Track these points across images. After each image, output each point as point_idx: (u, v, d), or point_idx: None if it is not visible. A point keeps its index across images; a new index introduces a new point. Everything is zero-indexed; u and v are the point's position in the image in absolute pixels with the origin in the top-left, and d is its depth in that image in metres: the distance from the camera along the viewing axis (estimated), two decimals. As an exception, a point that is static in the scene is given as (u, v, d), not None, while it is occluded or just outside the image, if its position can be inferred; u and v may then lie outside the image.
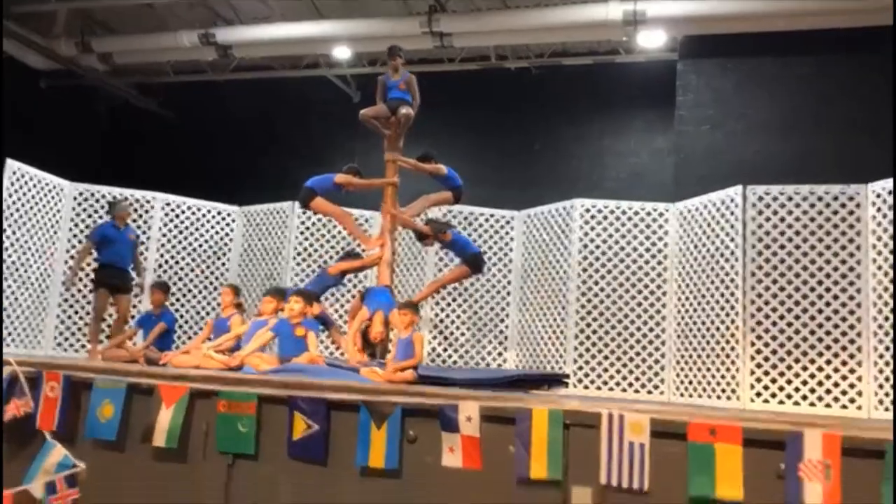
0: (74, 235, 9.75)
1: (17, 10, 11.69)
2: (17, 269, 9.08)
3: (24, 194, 9.16)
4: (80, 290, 9.56)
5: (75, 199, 9.83)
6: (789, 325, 7.49)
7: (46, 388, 4.86)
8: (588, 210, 8.80)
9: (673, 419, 3.94)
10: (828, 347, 7.35)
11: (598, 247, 8.72)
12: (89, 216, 9.81)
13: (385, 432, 4.30)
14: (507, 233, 9.54)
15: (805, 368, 7.40)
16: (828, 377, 7.31)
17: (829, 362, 7.35)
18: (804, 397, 7.37)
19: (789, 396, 7.40)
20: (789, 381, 7.43)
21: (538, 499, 4.06)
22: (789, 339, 7.48)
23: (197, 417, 4.67)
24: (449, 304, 9.52)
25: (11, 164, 9.01)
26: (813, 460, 3.67)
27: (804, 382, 7.40)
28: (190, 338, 9.59)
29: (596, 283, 8.66)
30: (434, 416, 4.28)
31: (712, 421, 3.88)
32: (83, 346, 9.38)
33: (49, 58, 12.62)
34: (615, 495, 3.95)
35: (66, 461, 4.76)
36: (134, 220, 9.89)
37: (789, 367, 7.44)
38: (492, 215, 9.58)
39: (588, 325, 8.59)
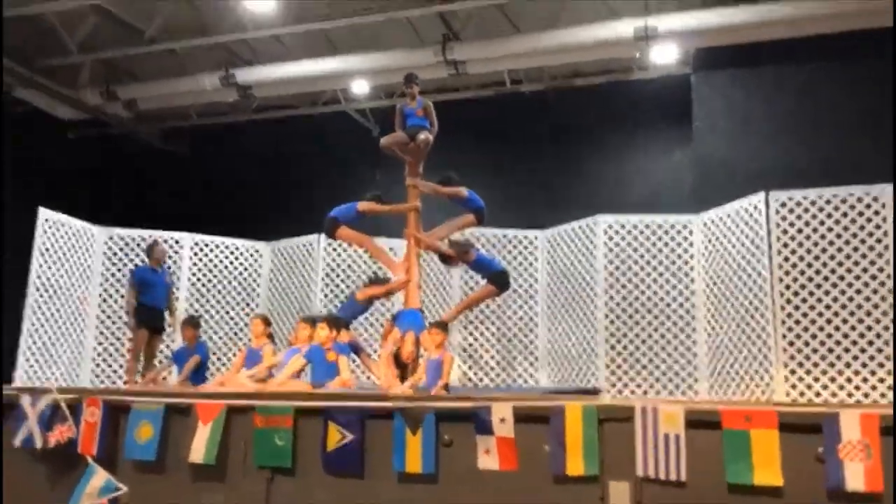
0: (106, 279, 9.98)
1: (44, 63, 12.09)
2: (53, 313, 9.31)
3: (57, 240, 9.42)
4: (121, 330, 9.77)
5: (105, 243, 10.07)
6: (821, 329, 7.47)
7: (87, 414, 4.97)
8: (611, 226, 8.85)
9: (707, 408, 3.96)
10: (862, 350, 7.31)
11: (623, 262, 8.75)
12: (119, 259, 10.04)
13: (420, 438, 4.35)
14: (531, 252, 9.61)
15: (840, 372, 7.36)
16: (858, 375, 7.27)
17: (863, 364, 7.30)
18: (834, 395, 7.31)
19: (821, 394, 7.33)
20: (824, 386, 7.38)
21: (576, 495, 4.08)
22: (822, 343, 7.46)
23: (235, 434, 4.74)
24: (477, 328, 9.57)
25: (43, 212, 9.30)
26: (853, 441, 3.67)
27: (837, 384, 7.35)
28: (219, 370, 9.71)
29: (624, 297, 8.68)
30: (468, 419, 4.33)
31: (746, 407, 3.90)
32: (113, 382, 9.60)
33: (76, 108, 13.00)
34: (653, 487, 3.96)
35: (108, 485, 4.85)
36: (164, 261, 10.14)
37: (824, 372, 7.41)
38: (515, 236, 9.66)
39: (618, 340, 8.59)
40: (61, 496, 4.85)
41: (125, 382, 8.92)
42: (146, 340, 8.75)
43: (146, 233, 10.18)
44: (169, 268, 9.93)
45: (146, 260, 9.19)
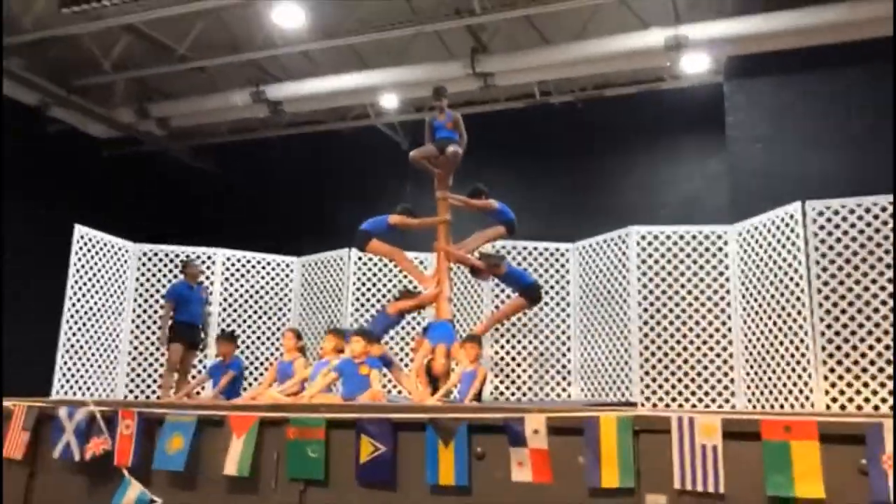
0: (140, 295, 10.14)
1: (79, 82, 12.37)
2: (88, 328, 9.48)
3: (92, 257, 9.60)
4: (155, 346, 9.93)
5: (139, 259, 10.23)
6: (862, 340, 7.34)
7: (122, 427, 5.04)
8: (644, 237, 8.79)
9: (745, 418, 3.90)
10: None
11: (657, 273, 8.68)
12: (153, 275, 10.20)
13: (453, 450, 4.33)
14: (562, 265, 9.58)
15: (882, 384, 7.22)
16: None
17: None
18: (876, 408, 7.16)
19: (863, 406, 7.19)
20: (866, 399, 7.23)
21: (612, 508, 4.03)
22: (863, 355, 7.32)
23: (267, 446, 4.77)
24: (508, 342, 9.54)
25: (79, 228, 9.50)
26: (896, 452, 3.58)
27: (880, 396, 7.20)
28: (252, 385, 9.78)
29: (658, 310, 8.60)
30: (501, 431, 4.30)
31: (786, 418, 3.83)
32: (147, 396, 9.74)
33: (110, 126, 13.28)
34: (690, 500, 3.89)
35: (143, 497, 4.90)
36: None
37: (865, 385, 7.27)
38: (546, 248, 9.64)
39: (653, 353, 8.51)
40: (97, 508, 4.92)
41: (159, 397, 9.05)
42: (181, 355, 8.90)
43: (179, 249, 10.35)
44: (202, 284, 10.09)
45: (181, 276, 9.36)
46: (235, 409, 5.03)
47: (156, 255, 10.30)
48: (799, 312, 7.52)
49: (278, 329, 10.47)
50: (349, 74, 11.75)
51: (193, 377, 9.18)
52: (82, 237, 9.51)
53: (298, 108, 12.48)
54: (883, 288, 7.39)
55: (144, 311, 10.12)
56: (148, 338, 10.02)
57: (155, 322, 9.81)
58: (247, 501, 4.79)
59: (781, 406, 7.57)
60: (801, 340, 7.45)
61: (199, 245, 10.54)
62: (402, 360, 9.52)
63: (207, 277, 10.39)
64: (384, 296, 10.02)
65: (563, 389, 9.31)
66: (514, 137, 12.82)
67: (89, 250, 9.58)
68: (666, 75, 11.85)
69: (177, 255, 10.31)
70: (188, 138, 14.50)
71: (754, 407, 7.91)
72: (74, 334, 9.29)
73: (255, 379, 10.17)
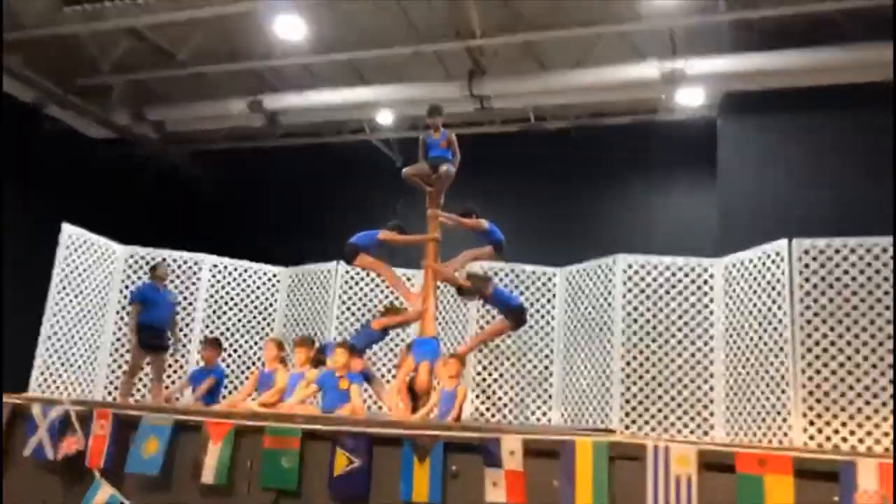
0: (125, 297, 10.06)
1: (76, 82, 12.37)
2: (71, 326, 9.41)
3: (79, 257, 9.54)
4: (126, 348, 9.83)
5: (126, 261, 10.17)
6: (842, 380, 7.36)
7: (96, 427, 5.00)
8: (631, 266, 8.80)
9: (720, 450, 3.91)
10: (883, 403, 7.19)
11: (641, 303, 8.69)
12: (139, 278, 10.13)
13: (428, 467, 4.32)
14: (549, 289, 9.59)
15: (860, 424, 7.24)
16: (879, 428, 7.14)
17: (884, 418, 7.18)
18: (853, 447, 7.18)
19: (840, 446, 7.21)
20: (844, 439, 7.26)
21: (584, 534, 4.02)
22: (842, 394, 7.34)
23: (242, 454, 4.74)
24: (491, 363, 9.52)
25: (67, 227, 9.44)
26: (869, 491, 3.60)
27: (857, 437, 7.22)
28: (232, 393, 9.71)
29: (641, 339, 8.60)
30: (476, 451, 4.30)
31: (761, 451, 3.84)
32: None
33: (106, 127, 13.27)
34: (663, 529, 3.89)
35: (113, 499, 4.85)
36: (182, 282, 10.25)
37: (844, 424, 7.28)
38: (533, 272, 9.65)
39: (634, 382, 8.50)
40: (67, 508, 4.86)
41: (137, 401, 8.94)
42: (144, 360, 8.77)
43: (167, 253, 10.30)
44: (186, 288, 10.04)
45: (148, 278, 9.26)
46: (212, 415, 5.00)
47: (143, 258, 10.24)
48: (781, 349, 7.55)
49: (262, 338, 10.41)
50: (347, 89, 11.80)
51: (174, 383, 9.09)
52: (70, 236, 9.46)
53: (295, 120, 12.52)
54: (864, 329, 7.42)
55: (129, 314, 10.01)
56: (130, 340, 9.92)
57: (127, 325, 9.64)
58: (217, 509, 4.75)
59: (759, 440, 7.57)
60: (782, 377, 7.48)
61: (188, 250, 10.49)
62: (383, 376, 9.48)
63: (194, 284, 10.34)
64: (369, 310, 10.00)
65: (544, 413, 9.28)
66: (507, 160, 12.86)
67: (76, 249, 9.52)
68: (661, 107, 11.95)
69: (164, 260, 10.26)
70: (183, 144, 14.50)
71: (733, 440, 7.91)
72: (56, 332, 9.21)
73: (235, 387, 10.09)
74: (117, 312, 10.02)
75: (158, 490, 4.87)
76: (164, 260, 9.85)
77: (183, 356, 10.00)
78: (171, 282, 10.23)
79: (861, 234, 7.68)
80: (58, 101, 12.43)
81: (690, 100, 11.02)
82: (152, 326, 8.77)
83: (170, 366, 10.01)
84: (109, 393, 9.78)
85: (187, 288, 10.29)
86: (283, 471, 4.59)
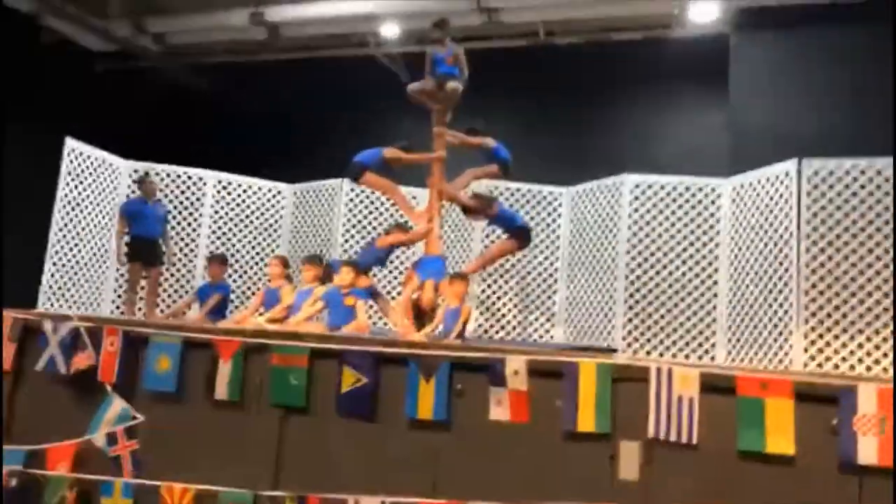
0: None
1: (74, -9, 12.06)
2: (77, 242, 9.43)
3: (82, 172, 9.49)
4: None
5: (130, 176, 10.13)
6: (845, 301, 7.38)
7: (106, 343, 5.06)
8: (638, 186, 8.75)
9: (722, 373, 3.96)
10: (885, 324, 7.24)
11: (647, 223, 8.67)
12: (144, 193, 10.09)
13: (433, 386, 4.40)
14: (554, 209, 9.56)
15: (860, 345, 7.32)
16: (879, 349, 7.23)
17: (884, 339, 7.24)
18: (853, 367, 7.28)
19: (840, 366, 7.31)
20: (843, 359, 7.34)
21: (587, 452, 4.12)
22: (844, 315, 7.38)
23: (250, 372, 4.82)
24: (496, 281, 9.58)
25: (70, 142, 9.35)
26: (868, 414, 3.66)
27: (857, 357, 7.31)
28: (238, 310, 9.83)
29: (646, 259, 8.61)
30: (482, 370, 4.37)
31: (763, 375, 3.89)
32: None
33: (105, 39, 12.96)
34: (663, 449, 3.99)
35: (125, 413, 4.97)
36: (187, 198, 10.23)
37: (843, 345, 7.35)
38: (539, 191, 9.60)
39: (637, 301, 8.55)
40: (82, 421, 4.97)
41: (145, 314, 9.02)
42: (140, 273, 8.79)
43: (170, 168, 10.26)
44: (191, 203, 10.00)
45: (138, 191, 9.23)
46: (220, 332, 5.06)
47: (147, 173, 10.17)
48: (786, 270, 7.56)
49: (267, 255, 10.45)
50: (351, 0, 11.47)
51: (178, 299, 9.16)
52: (73, 150, 9.38)
53: (297, 33, 12.22)
54: (870, 250, 7.41)
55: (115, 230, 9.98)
56: (116, 255, 9.90)
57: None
58: (227, 421, 4.86)
59: (761, 362, 7.67)
60: (786, 298, 7.51)
61: (191, 166, 10.43)
62: (389, 293, 9.56)
63: (199, 199, 10.31)
64: (374, 229, 10.00)
65: (547, 331, 9.40)
66: (514, 77, 12.60)
67: (79, 164, 9.46)
68: (673, 23, 11.61)
69: (168, 175, 10.24)
70: (184, 56, 14.19)
71: (733, 361, 8.02)
72: (62, 248, 9.24)
73: (242, 303, 10.19)
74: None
75: (169, 406, 4.97)
76: (147, 174, 9.72)
77: (190, 271, 10.08)
78: (176, 197, 10.24)
79: (875, 153, 7.56)
80: (55, 11, 12.11)
81: (704, 15, 10.71)
82: (142, 239, 8.73)
83: (177, 280, 10.12)
84: (118, 307, 9.90)
85: (192, 204, 10.28)
86: (291, 389, 4.67)
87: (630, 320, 8.52)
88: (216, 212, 10.40)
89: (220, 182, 10.47)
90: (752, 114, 9.85)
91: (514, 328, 9.50)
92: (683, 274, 8.51)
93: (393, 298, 9.32)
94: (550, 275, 9.47)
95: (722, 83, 10.31)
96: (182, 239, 10.20)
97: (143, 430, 4.93)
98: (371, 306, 8.33)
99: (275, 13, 11.81)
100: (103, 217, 9.84)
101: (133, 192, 10.06)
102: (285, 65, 13.87)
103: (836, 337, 7.37)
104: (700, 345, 8.38)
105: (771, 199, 7.86)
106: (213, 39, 13.14)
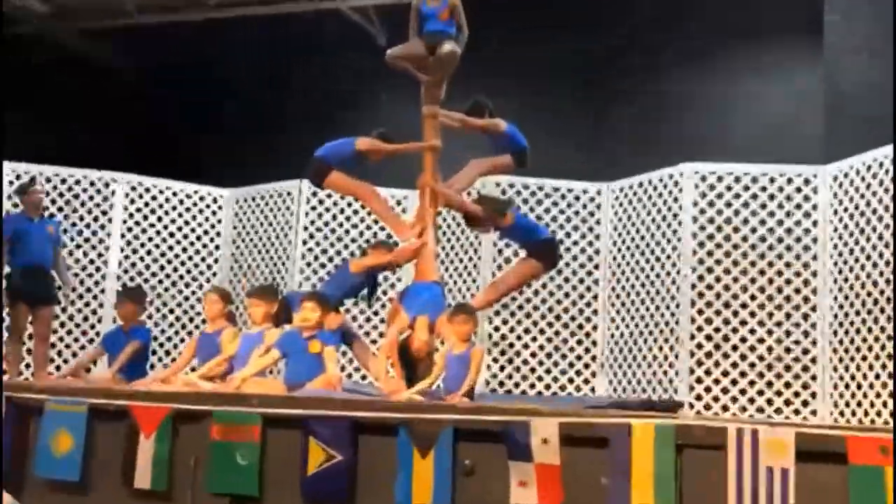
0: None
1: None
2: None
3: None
4: None
5: (12, 184, 10.11)
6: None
7: (-14, 416, 5.09)
8: (704, 178, 8.83)
9: (827, 434, 3.99)
10: None
11: (719, 228, 8.74)
12: (15, 205, 10.08)
13: (432, 462, 4.42)
14: (591, 213, 9.62)
15: None
16: None
17: None
18: None
19: None
20: None
21: (643, 547, 4.14)
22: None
23: (181, 448, 4.84)
24: (513, 315, 9.60)
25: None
26: None
27: None
28: (161, 361, 9.87)
29: (718, 278, 8.67)
30: (498, 439, 4.39)
31: (882, 436, 3.91)
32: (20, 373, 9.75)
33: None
34: (748, 539, 4.00)
35: (11, 511, 4.99)
36: (89, 210, 10.27)
37: None
38: (570, 190, 9.67)
39: (709, 337, 8.59)
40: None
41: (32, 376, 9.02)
42: (27, 316, 8.75)
43: (64, 171, 10.31)
44: (95, 217, 10.03)
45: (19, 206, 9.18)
46: (139, 396, 5.09)
47: (32, 179, 10.21)
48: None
49: (200, 288, 10.49)
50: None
51: (83, 348, 9.17)
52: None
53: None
54: None
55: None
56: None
57: None
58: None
59: (873, 420, 7.68)
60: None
61: (94, 167, 10.47)
62: (367, 335, 9.60)
63: (104, 212, 10.34)
64: (346, 247, 10.06)
65: (586, 381, 9.43)
66: (531, 35, 12.68)
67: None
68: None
69: (62, 181, 10.25)
70: (80, 19, 14.31)
71: (842, 417, 8.03)
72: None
73: (168, 354, 10.23)
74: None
75: (74, 496, 4.98)
76: (33, 179, 9.72)
77: (95, 312, 10.10)
78: (74, 211, 10.28)
79: None
80: None
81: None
82: (27, 269, 8.69)
83: (77, 326, 10.12)
84: (-2, 366, 9.91)
85: (96, 219, 10.32)
86: (238, 470, 4.69)
87: (699, 363, 8.54)
88: (130, 229, 10.45)
89: (133, 189, 10.52)
90: (853, 77, 9.89)
91: (540, 379, 9.52)
92: (770, 297, 8.54)
93: (373, 342, 9.35)
94: (588, 304, 9.50)
95: (815, 38, 10.39)
96: (84, 268, 10.22)
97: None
98: (344, 353, 8.35)
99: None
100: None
101: (15, 205, 10.10)
102: (219, 25, 13.96)
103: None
104: (796, 394, 8.40)
105: (884, 189, 7.91)
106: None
